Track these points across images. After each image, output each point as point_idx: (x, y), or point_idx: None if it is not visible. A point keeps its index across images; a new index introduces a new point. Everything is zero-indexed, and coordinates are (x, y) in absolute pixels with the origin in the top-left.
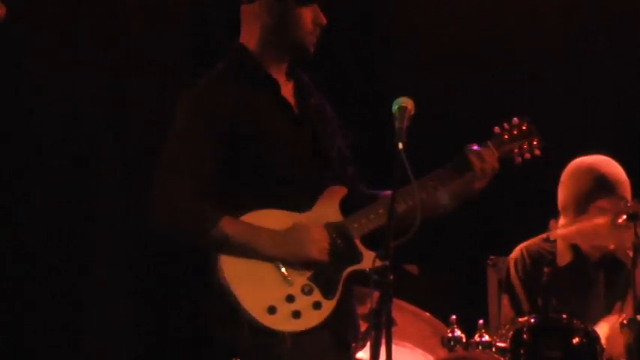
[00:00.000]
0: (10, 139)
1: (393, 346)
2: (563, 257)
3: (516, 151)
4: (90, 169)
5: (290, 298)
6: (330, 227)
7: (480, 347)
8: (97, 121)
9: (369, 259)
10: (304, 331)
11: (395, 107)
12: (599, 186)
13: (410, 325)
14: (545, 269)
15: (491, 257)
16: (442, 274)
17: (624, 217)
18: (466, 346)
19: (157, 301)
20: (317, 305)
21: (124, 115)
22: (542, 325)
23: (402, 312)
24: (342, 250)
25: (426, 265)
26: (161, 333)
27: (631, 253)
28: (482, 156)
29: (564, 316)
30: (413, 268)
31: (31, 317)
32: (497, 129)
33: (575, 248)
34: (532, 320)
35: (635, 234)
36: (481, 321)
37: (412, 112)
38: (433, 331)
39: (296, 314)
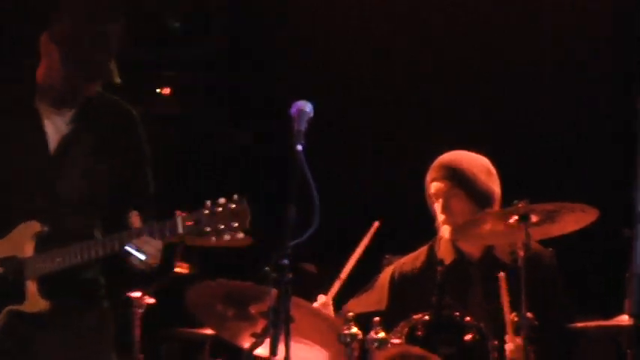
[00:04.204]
0: None
1: (292, 343)
2: (447, 257)
3: (209, 229)
4: None
5: None
6: (4, 262)
7: (377, 344)
8: None
9: (32, 302)
10: None
11: None
12: (432, 169)
13: (307, 321)
14: (439, 268)
15: (387, 256)
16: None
17: (515, 217)
18: (362, 342)
19: None
20: None
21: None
22: (436, 321)
23: (300, 309)
24: (7, 287)
25: (323, 263)
26: None
27: (521, 253)
28: (147, 242)
29: (457, 313)
30: (310, 267)
31: None
32: (208, 204)
33: (456, 248)
34: (426, 317)
35: (526, 233)
36: (377, 318)
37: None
38: (329, 328)
39: None
